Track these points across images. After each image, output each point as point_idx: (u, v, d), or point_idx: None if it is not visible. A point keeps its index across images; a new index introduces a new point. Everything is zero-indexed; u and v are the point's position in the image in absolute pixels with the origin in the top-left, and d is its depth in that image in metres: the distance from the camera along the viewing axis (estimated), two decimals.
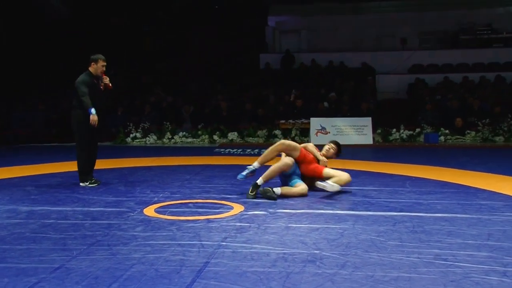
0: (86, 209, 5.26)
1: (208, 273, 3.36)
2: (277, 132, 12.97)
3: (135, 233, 4.29)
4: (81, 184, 6.77)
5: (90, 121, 6.50)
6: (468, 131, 12.55)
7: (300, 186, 6.01)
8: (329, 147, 6.63)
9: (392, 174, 7.50)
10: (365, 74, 17.36)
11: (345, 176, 6.19)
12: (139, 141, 13.11)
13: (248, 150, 11.07)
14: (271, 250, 3.82)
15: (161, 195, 6.00)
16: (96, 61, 6.78)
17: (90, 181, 6.78)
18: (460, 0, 19.81)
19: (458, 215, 4.87)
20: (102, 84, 6.89)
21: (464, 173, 7.60)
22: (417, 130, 12.76)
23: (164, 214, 5.00)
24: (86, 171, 6.82)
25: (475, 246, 3.88)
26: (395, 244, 3.94)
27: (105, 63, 6.85)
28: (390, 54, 18.67)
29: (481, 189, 6.24)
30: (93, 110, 6.51)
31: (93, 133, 6.80)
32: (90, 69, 6.82)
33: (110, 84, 6.92)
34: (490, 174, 7.46)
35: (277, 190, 5.88)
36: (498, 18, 19.38)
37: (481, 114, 12.97)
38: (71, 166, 8.16)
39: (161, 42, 19.47)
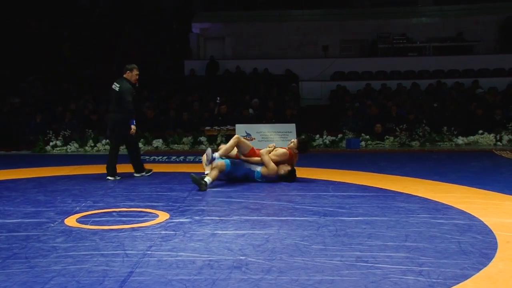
0: (1, 221, 5.02)
1: (133, 283, 3.30)
2: (203, 139, 12.93)
3: (55, 245, 4.14)
4: (109, 178, 7.62)
5: (131, 131, 7.55)
6: (387, 137, 13.04)
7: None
8: (290, 142, 7.58)
9: (316, 179, 7.67)
10: (289, 81, 17.67)
11: (271, 166, 7.22)
12: (59, 149, 12.64)
13: (174, 157, 10.96)
14: (197, 258, 3.80)
15: (83, 204, 5.82)
16: (131, 70, 7.70)
17: (115, 176, 7.67)
18: (377, 11, 20.66)
19: (378, 218, 5.06)
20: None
21: (383, 177, 7.90)
22: (339, 136, 13.12)
23: (87, 224, 4.86)
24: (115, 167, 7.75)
25: (394, 248, 4.05)
26: (319, 248, 4.04)
27: (139, 73, 7.79)
28: (313, 62, 19.11)
29: (399, 192, 6.50)
30: (134, 122, 7.60)
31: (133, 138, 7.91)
32: (126, 76, 7.69)
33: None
34: (407, 177, 7.79)
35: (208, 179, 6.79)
36: (412, 28, 20.36)
37: (399, 120, 13.53)
38: None
39: (82, 48, 18.88)
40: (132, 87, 7.67)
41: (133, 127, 7.60)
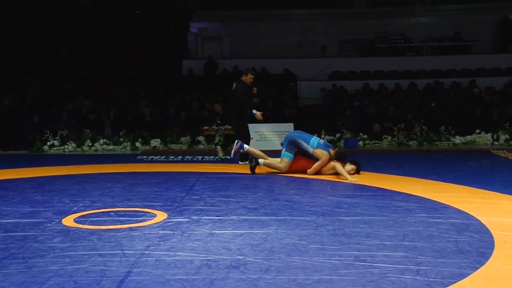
0: None
1: (131, 282, 3.29)
2: (201, 138, 12.92)
3: (52, 245, 4.13)
4: (240, 162, 9.19)
5: (256, 117, 9.18)
6: (385, 136, 13.05)
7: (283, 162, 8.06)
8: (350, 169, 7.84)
9: (314, 178, 7.68)
10: (287, 81, 17.65)
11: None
12: (57, 149, 12.62)
13: (172, 157, 10.95)
14: (195, 257, 3.80)
15: (80, 204, 5.81)
16: (246, 74, 9.38)
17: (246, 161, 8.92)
18: (376, 11, 20.67)
19: (376, 217, 5.07)
20: (255, 90, 9.55)
21: (381, 176, 7.90)
22: (337, 135, 13.12)
23: (84, 224, 4.85)
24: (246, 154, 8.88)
25: (392, 247, 4.05)
26: (317, 248, 4.04)
27: (253, 76, 9.41)
28: (311, 61, 19.10)
29: (396, 191, 6.51)
30: (254, 111, 9.16)
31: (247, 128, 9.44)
32: (242, 78, 9.35)
33: (255, 92, 9.64)
34: (404, 177, 7.80)
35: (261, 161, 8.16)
36: (410, 28, 20.37)
37: (396, 120, 13.54)
38: None
39: (81, 48, 18.88)
40: (245, 88, 9.25)
41: (256, 115, 9.12)
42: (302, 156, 8.08)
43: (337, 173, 7.73)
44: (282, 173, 8.11)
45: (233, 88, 9.39)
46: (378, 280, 3.34)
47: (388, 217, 5.07)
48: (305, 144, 7.97)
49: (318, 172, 7.91)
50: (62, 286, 3.23)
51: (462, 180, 7.25)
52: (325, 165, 7.86)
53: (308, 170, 7.92)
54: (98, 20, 20.56)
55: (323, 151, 7.83)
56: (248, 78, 9.32)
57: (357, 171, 7.88)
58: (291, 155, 8.06)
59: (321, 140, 8.15)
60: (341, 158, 7.97)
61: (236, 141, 8.59)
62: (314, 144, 7.91)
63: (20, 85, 16.43)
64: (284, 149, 8.14)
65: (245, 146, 8.52)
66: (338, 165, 7.71)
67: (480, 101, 15.18)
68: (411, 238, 4.30)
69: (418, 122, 13.13)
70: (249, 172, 8.23)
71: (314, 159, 7.91)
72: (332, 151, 7.97)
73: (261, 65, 18.55)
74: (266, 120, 13.73)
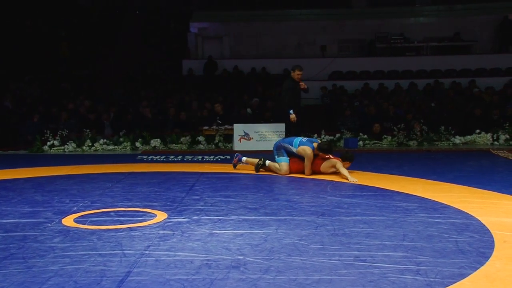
0: None
1: (130, 282, 3.29)
2: (201, 138, 12.91)
3: (52, 245, 4.14)
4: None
5: (290, 119, 9.32)
6: (385, 136, 13.04)
7: (282, 167, 8.03)
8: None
9: (314, 178, 7.67)
10: None
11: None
12: (57, 149, 12.61)
13: (172, 157, 10.95)
14: (195, 257, 3.80)
15: (80, 204, 5.81)
16: (293, 70, 9.43)
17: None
18: (375, 11, 20.67)
19: (376, 217, 5.07)
20: (303, 85, 9.48)
21: (381, 176, 7.90)
22: (337, 135, 13.12)
23: (84, 224, 4.85)
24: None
25: (391, 247, 4.05)
26: (317, 248, 4.04)
27: (301, 72, 9.39)
28: (311, 61, 19.07)
29: (396, 191, 6.50)
30: (291, 111, 9.29)
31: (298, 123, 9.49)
32: (291, 75, 9.51)
33: (305, 87, 9.54)
34: (404, 177, 7.79)
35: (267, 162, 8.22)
36: (410, 28, 20.38)
37: (396, 120, 13.54)
38: None
39: (81, 48, 18.88)
40: (293, 85, 9.38)
41: (291, 116, 9.26)
42: (295, 158, 8.11)
43: (337, 172, 7.73)
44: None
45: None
46: (378, 280, 3.34)
47: (388, 217, 5.07)
48: (289, 146, 8.07)
49: (317, 172, 7.91)
50: (62, 286, 3.23)
51: (462, 180, 7.25)
52: (312, 160, 7.86)
53: (305, 172, 7.94)
54: (98, 20, 20.57)
55: (304, 147, 7.87)
56: (295, 74, 9.44)
57: (350, 159, 7.96)
58: (286, 158, 8.10)
59: (304, 138, 8.19)
60: (323, 149, 7.88)
61: (235, 154, 8.82)
62: (296, 143, 7.98)
63: (20, 85, 16.42)
64: (276, 157, 8.21)
65: (244, 158, 8.55)
66: (339, 165, 7.70)
67: (480, 101, 15.18)
68: (411, 238, 4.30)
69: (418, 122, 13.13)
70: (249, 172, 8.24)
71: (303, 158, 7.94)
72: (315, 145, 7.95)
73: (261, 65, 18.55)
74: (266, 120, 13.76)
